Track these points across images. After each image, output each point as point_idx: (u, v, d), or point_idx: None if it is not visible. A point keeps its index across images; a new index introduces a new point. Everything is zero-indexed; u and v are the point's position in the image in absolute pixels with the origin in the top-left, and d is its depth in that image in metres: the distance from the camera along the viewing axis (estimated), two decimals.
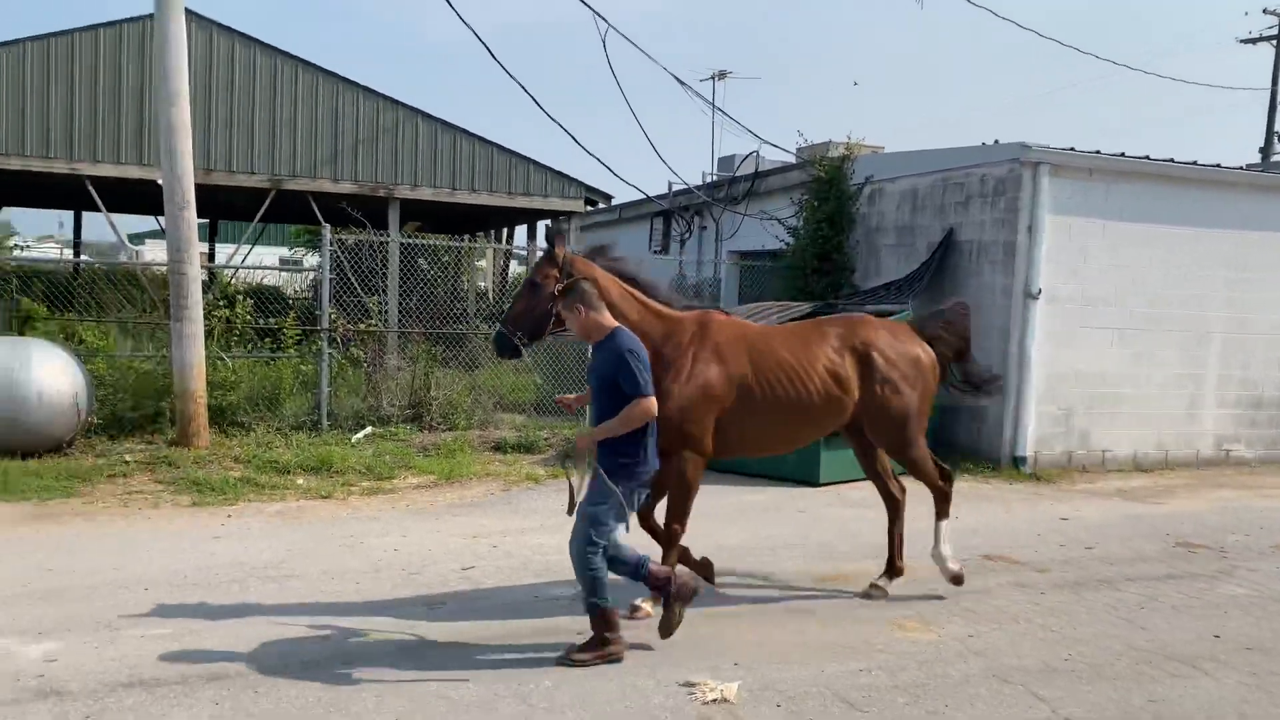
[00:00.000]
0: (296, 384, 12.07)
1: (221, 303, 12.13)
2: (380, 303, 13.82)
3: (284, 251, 37.96)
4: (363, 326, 12.54)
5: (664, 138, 15.67)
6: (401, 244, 15.16)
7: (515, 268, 23.69)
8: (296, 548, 7.33)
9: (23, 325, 11.75)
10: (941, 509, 6.58)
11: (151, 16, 14.89)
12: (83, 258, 26.58)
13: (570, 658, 5.06)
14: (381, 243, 14.58)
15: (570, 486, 5.16)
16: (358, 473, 10.10)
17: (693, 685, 4.85)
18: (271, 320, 12.80)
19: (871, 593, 6.46)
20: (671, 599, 5.22)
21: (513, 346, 5.70)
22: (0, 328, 11.94)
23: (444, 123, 16.88)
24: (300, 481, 9.64)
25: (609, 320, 5.19)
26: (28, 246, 32.94)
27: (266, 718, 4.41)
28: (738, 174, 17.26)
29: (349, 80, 16.35)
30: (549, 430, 12.39)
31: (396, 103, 16.64)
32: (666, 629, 5.25)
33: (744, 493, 9.95)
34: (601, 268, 5.75)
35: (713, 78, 20.92)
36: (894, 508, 6.65)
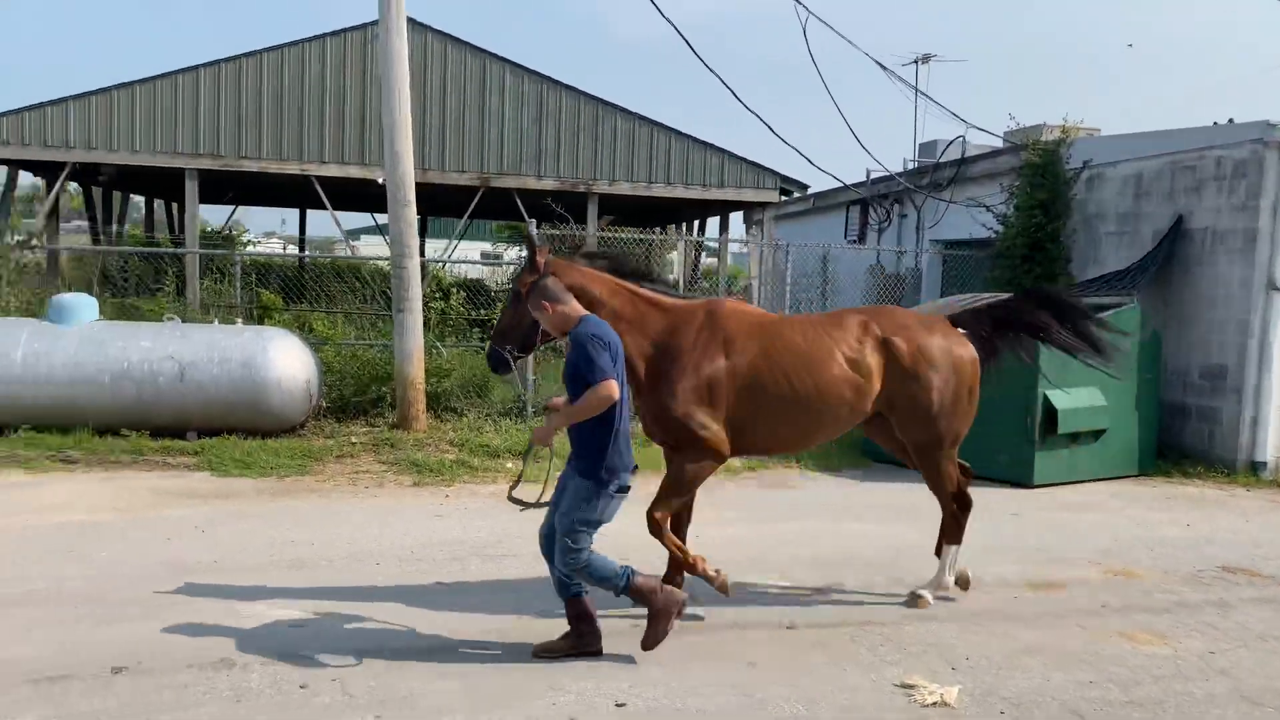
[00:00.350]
0: None
1: (437, 295, 12.77)
2: None
3: (485, 246, 39.57)
4: None
5: (863, 125, 15.35)
6: (598, 238, 15.53)
7: (705, 260, 23.82)
8: (511, 529, 7.64)
9: (262, 316, 12.77)
10: (951, 532, 6.15)
11: (372, 25, 15.83)
12: (307, 253, 28.54)
13: (545, 653, 4.98)
14: (581, 237, 14.97)
15: (527, 478, 5.32)
16: (564, 458, 10.43)
17: (910, 687, 4.75)
18: (482, 312, 13.38)
19: (914, 602, 6.00)
20: (656, 614, 4.92)
21: (504, 360, 5.54)
22: (243, 318, 13.00)
23: (641, 117, 17.16)
24: (510, 465, 10.05)
25: (576, 310, 4.94)
26: (258, 242, 35.68)
27: (514, 689, 4.64)
28: (941, 159, 16.67)
29: (553, 79, 16.88)
30: None
31: (597, 99, 17.05)
32: (650, 642, 4.95)
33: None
34: (588, 268, 5.58)
35: (916, 62, 20.25)
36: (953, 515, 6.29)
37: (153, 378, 10.39)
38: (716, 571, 5.50)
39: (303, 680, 4.66)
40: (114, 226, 22.32)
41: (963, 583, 6.17)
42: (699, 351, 5.46)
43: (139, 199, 28.48)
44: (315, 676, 4.72)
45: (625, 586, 4.87)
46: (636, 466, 4.98)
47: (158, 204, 27.64)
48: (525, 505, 5.07)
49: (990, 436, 8.99)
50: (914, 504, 8.16)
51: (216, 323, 11.53)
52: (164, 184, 21.05)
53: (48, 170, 18.66)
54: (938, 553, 6.24)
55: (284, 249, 38.34)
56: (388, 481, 9.33)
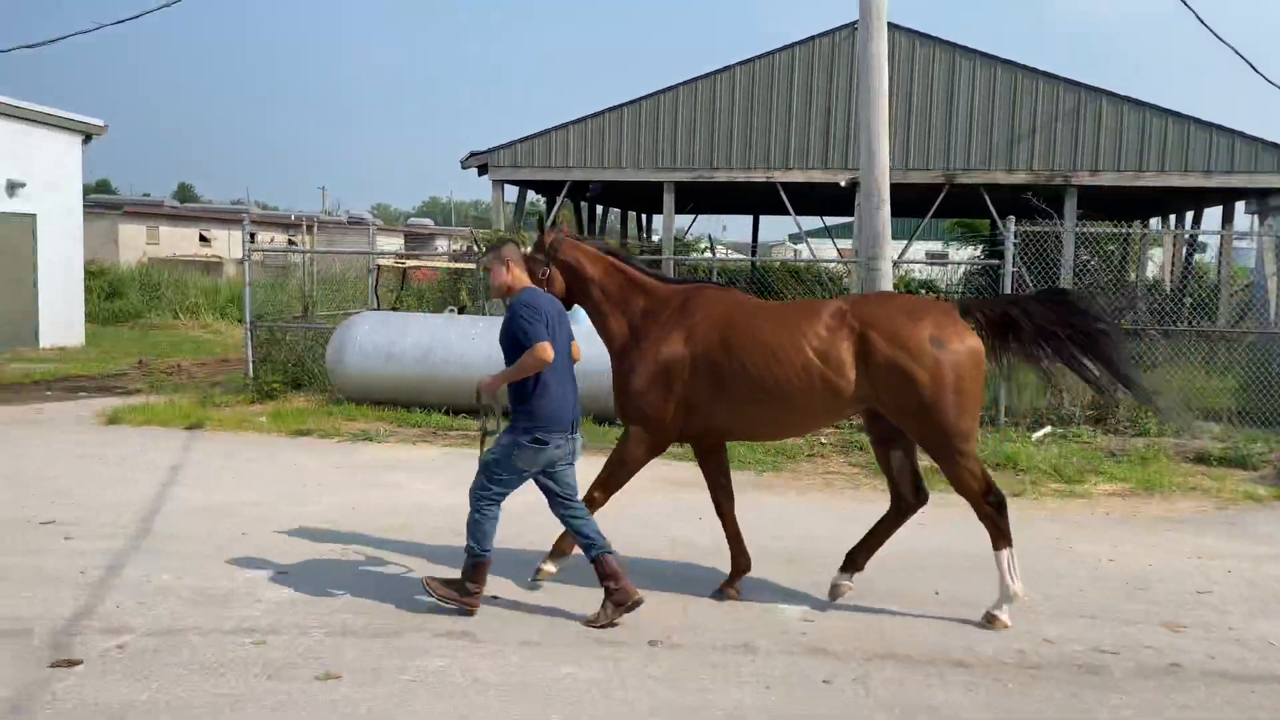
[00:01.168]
0: None
1: None
2: None
3: (930, 246, 38.53)
4: None
5: None
6: (1076, 233, 14.38)
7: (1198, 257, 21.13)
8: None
9: None
10: (995, 536, 5.50)
11: (839, 30, 16.03)
12: (757, 257, 29.67)
13: (427, 584, 5.41)
14: (1055, 234, 13.97)
15: (485, 433, 5.55)
16: (1043, 473, 9.79)
17: None
18: None
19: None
20: (608, 596, 5.28)
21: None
22: None
23: (1131, 100, 15.64)
24: None
25: (519, 281, 5.38)
26: (712, 248, 37.69)
27: (1032, 712, 4.41)
28: None
29: (1026, 67, 15.97)
30: (1264, 443, 10.79)
31: (1076, 84, 15.85)
32: (596, 621, 5.29)
33: None
34: (590, 248, 5.90)
35: None
36: (896, 510, 5.85)
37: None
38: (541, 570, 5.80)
39: (825, 675, 4.77)
40: (598, 237, 24.86)
41: None
42: (663, 336, 5.59)
43: (608, 210, 31.40)
44: (837, 672, 4.80)
45: (478, 560, 5.35)
46: (576, 433, 5.36)
47: (628, 214, 30.30)
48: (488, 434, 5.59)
49: None
50: None
51: None
52: (640, 197, 22.98)
53: (547, 189, 21.20)
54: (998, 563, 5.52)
55: (726, 253, 40.17)
56: (862, 484, 9.35)
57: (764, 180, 17.21)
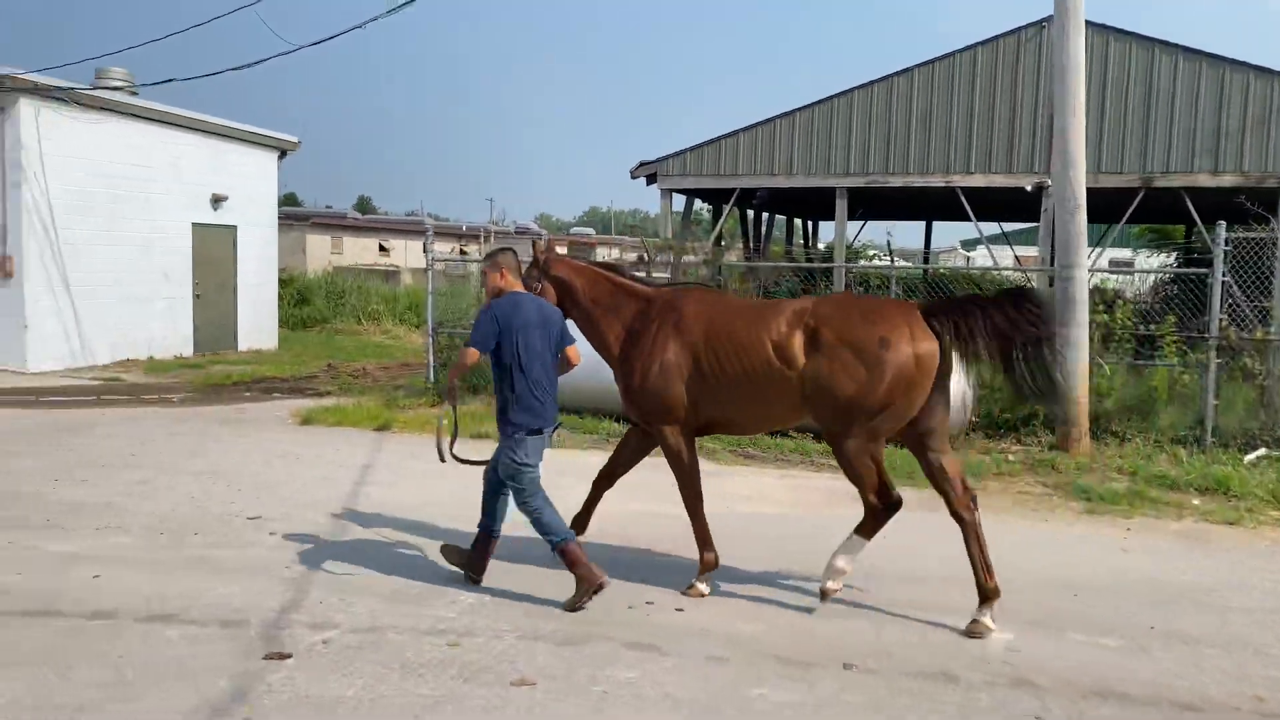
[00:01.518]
0: (1172, 394, 11.32)
1: (1100, 307, 11.90)
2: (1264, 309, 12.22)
3: (1119, 253, 36.47)
4: (1259, 335, 11.21)
5: None
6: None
7: None
8: (1218, 575, 6.76)
9: None
10: (865, 526, 5.77)
11: (1023, 29, 15.35)
12: (929, 264, 28.78)
13: (567, 606, 5.65)
14: (1272, 240, 12.89)
15: (442, 425, 6.15)
16: (1261, 499, 9.03)
17: None
18: (1151, 326, 12.19)
19: (973, 629, 5.43)
20: (578, 583, 5.66)
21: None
22: None
23: None
24: (1195, 502, 8.96)
25: (504, 288, 5.93)
26: (874, 255, 36.81)
27: None
28: None
29: (1235, 61, 14.84)
30: None
31: None
32: (570, 607, 5.65)
33: None
34: (578, 262, 6.52)
35: None
36: (961, 524, 5.66)
37: None
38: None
39: (1035, 711, 4.50)
40: (762, 244, 24.67)
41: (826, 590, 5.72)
42: (660, 335, 5.95)
43: (773, 217, 31.10)
44: (1048, 709, 4.52)
45: (561, 545, 5.69)
46: (559, 424, 5.93)
47: (793, 221, 29.94)
48: (468, 462, 6.15)
49: None
50: None
51: None
52: (807, 203, 22.66)
53: (714, 197, 21.17)
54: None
55: (891, 261, 39.13)
56: (1057, 507, 8.85)
57: (943, 185, 16.64)
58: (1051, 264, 16.71)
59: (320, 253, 38.93)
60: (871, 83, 17.06)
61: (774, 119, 17.89)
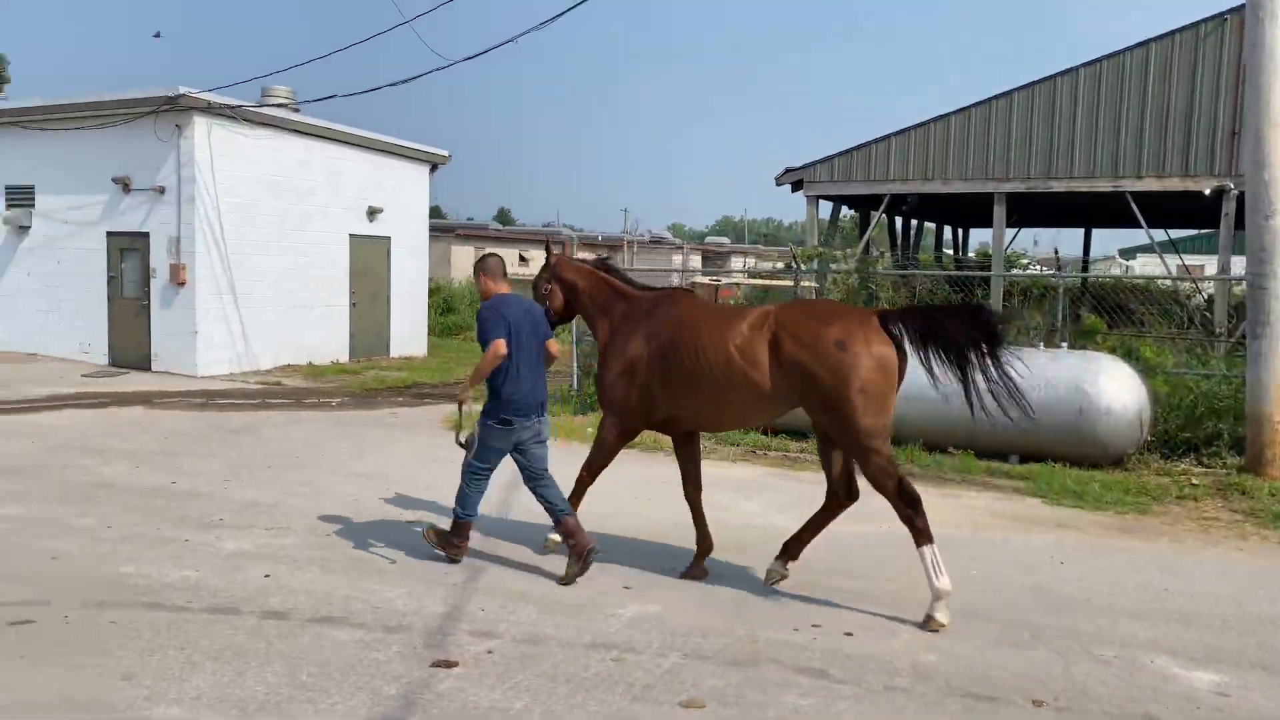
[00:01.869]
0: None
1: None
2: None
3: None
4: None
5: None
6: None
7: None
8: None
9: (1083, 339, 12.32)
10: (915, 534, 5.70)
11: (1201, 23, 14.44)
12: (1092, 272, 27.45)
13: (426, 535, 6.69)
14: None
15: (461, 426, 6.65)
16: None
17: None
18: None
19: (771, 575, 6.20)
20: (570, 554, 6.20)
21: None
22: (1068, 342, 12.69)
23: None
24: None
25: (491, 290, 6.48)
26: (1028, 263, 35.39)
27: None
28: None
29: None
30: None
31: None
32: (565, 579, 6.18)
33: None
34: (582, 265, 7.00)
35: None
36: (827, 507, 6.23)
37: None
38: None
39: None
40: (911, 252, 23.98)
41: None
42: (631, 335, 6.43)
43: (922, 224, 30.25)
44: None
45: (461, 520, 6.52)
46: (543, 416, 6.41)
47: (943, 228, 29.02)
48: (465, 447, 6.56)
49: None
50: None
51: (1041, 346, 11.40)
52: (959, 210, 21.91)
53: (861, 203, 20.69)
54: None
55: (1039, 269, 37.62)
56: (1249, 534, 8.18)
57: (1110, 190, 15.75)
58: (1226, 272, 15.62)
59: (464, 263, 39.91)
60: (1033, 84, 16.33)
61: (928, 122, 17.33)
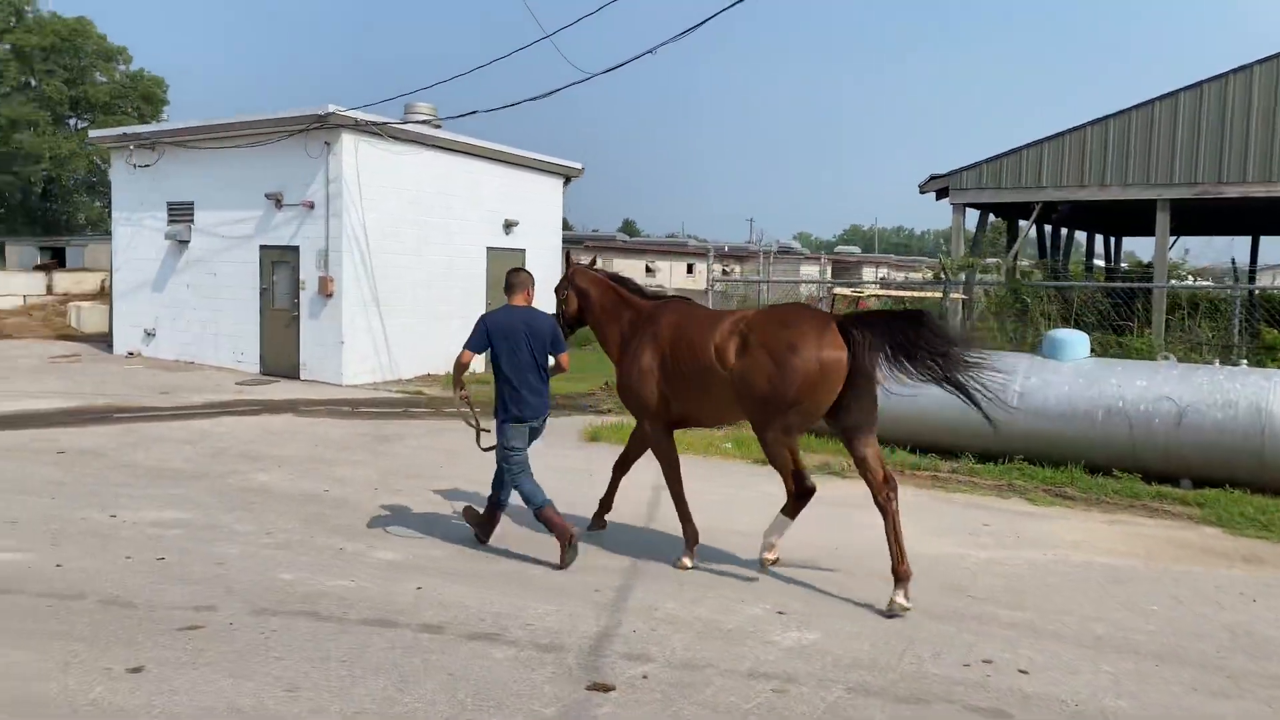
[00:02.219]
0: None
1: None
2: None
3: None
4: None
5: None
6: None
7: None
8: None
9: (1263, 355, 11.49)
10: (788, 507, 6.72)
11: None
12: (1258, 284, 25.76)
13: (561, 564, 6.93)
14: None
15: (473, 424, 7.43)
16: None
17: None
18: None
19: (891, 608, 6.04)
20: (559, 542, 6.97)
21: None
22: (1241, 359, 11.87)
23: None
24: None
25: (507, 301, 7.24)
26: (1187, 274, 33.47)
27: None
28: None
29: None
30: None
31: None
32: (563, 563, 6.89)
33: None
34: (595, 274, 7.63)
35: None
36: (882, 512, 6.22)
37: (1147, 419, 10.00)
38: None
39: None
40: (1061, 261, 22.95)
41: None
42: (638, 341, 7.04)
43: (1072, 232, 28.97)
44: None
45: (537, 510, 7.01)
46: (544, 416, 7.22)
47: (1094, 237, 27.71)
48: (484, 449, 7.45)
49: None
50: None
51: (1217, 363, 10.67)
52: (1113, 217, 20.84)
53: (1009, 211, 19.90)
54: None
55: (1235, 281, 35.53)
56: None
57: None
58: None
59: None
60: (1201, 83, 15.36)
61: (1083, 126, 16.52)
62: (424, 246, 18.44)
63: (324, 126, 16.77)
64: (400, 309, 18.01)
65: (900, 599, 6.00)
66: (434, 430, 12.76)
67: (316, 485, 9.34)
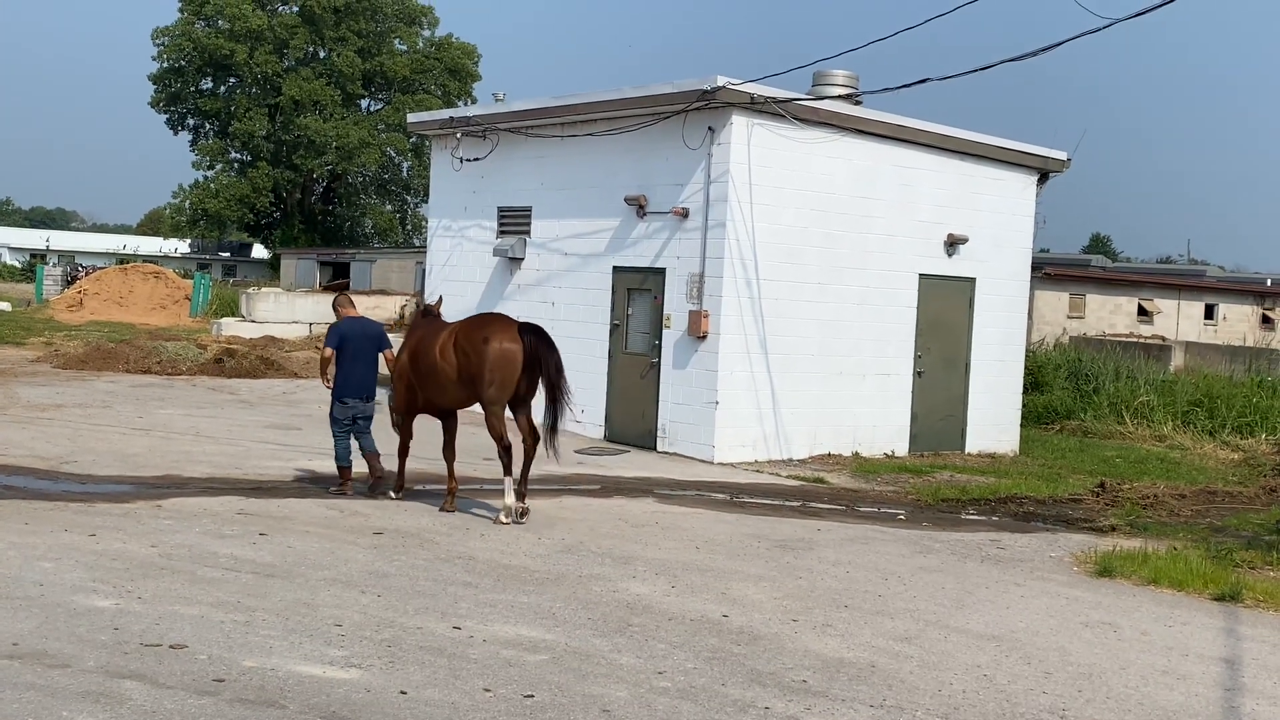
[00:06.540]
0: None
1: None
2: None
3: None
4: None
5: None
6: None
7: None
8: None
9: None
10: (504, 468, 12.63)
11: None
12: None
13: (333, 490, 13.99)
14: None
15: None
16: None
17: None
18: None
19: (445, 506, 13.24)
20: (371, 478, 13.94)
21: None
22: None
23: None
24: None
25: (345, 314, 14.12)
26: None
27: None
28: None
29: None
30: None
31: None
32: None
33: None
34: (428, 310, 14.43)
35: None
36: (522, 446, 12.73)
37: None
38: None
39: None
40: None
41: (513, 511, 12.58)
42: (406, 347, 13.45)
43: None
44: None
45: (339, 466, 13.85)
46: (371, 401, 13.93)
47: None
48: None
49: None
50: None
51: None
52: None
53: None
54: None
55: None
56: None
57: None
58: None
59: (1054, 316, 38.98)
60: None
61: None
62: (832, 273, 18.54)
63: (708, 106, 17.23)
64: (795, 360, 18.17)
65: (503, 517, 12.51)
66: (852, 539, 12.68)
67: (711, 607, 9.44)
